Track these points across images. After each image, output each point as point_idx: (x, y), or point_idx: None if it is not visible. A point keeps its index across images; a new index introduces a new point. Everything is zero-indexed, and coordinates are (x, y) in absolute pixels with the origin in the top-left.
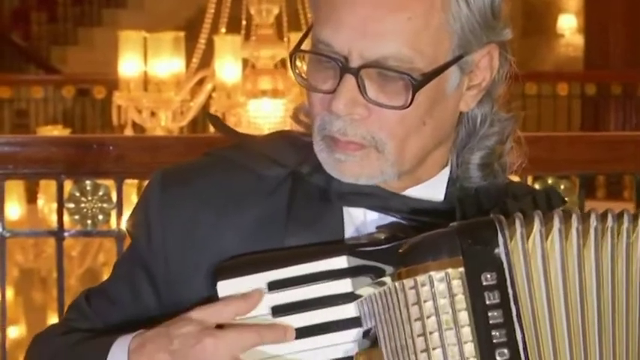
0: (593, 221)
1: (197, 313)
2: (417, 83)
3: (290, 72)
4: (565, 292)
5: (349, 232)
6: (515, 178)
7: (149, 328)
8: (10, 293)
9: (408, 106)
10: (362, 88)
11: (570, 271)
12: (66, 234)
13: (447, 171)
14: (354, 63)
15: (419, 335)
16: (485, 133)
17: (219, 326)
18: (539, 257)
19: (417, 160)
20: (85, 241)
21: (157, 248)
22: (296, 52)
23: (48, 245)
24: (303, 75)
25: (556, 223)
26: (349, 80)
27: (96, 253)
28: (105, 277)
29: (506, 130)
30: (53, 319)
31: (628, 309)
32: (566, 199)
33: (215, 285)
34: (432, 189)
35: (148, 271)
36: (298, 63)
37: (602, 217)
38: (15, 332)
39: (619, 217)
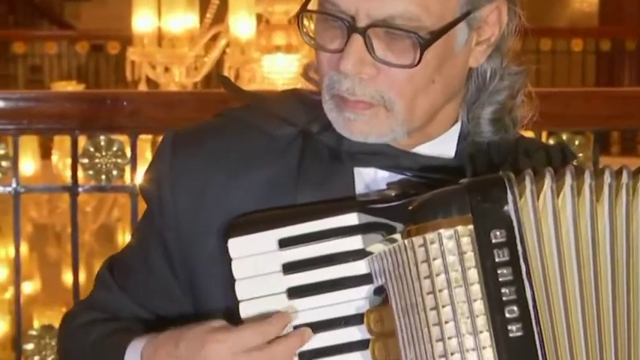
0: (607, 178)
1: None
2: (425, 42)
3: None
4: (577, 249)
5: (360, 189)
6: (529, 134)
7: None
8: (24, 249)
9: (416, 65)
10: (370, 48)
11: (582, 229)
12: (80, 189)
13: (457, 127)
14: (362, 22)
15: (428, 293)
16: (495, 87)
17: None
18: (550, 214)
19: (427, 118)
20: (99, 197)
21: (169, 211)
22: (303, 11)
23: (62, 201)
24: (311, 34)
25: (568, 179)
26: (357, 40)
27: (110, 209)
28: (119, 233)
29: (516, 84)
30: (67, 274)
31: None
32: (580, 154)
33: (226, 243)
34: (443, 145)
35: (160, 239)
36: (306, 22)
37: (617, 174)
38: (29, 287)
39: (635, 174)
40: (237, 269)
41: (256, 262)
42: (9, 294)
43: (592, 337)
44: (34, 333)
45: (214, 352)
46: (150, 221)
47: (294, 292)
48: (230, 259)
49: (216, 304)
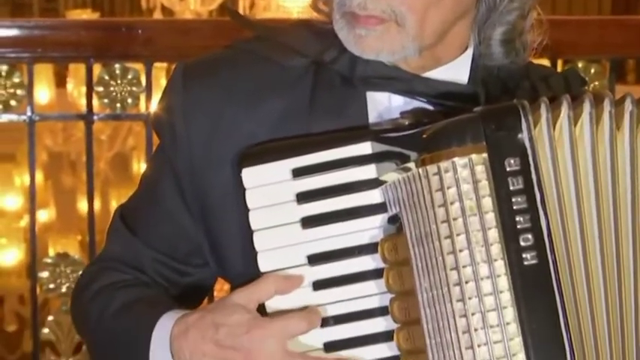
0: (628, 105)
1: (240, 297)
2: None
3: None
4: (595, 178)
5: (373, 118)
6: (544, 62)
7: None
8: (39, 177)
9: None
10: None
11: (601, 158)
12: (95, 117)
13: (469, 52)
14: None
15: (442, 222)
16: (505, 7)
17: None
18: (567, 143)
19: (438, 35)
20: (114, 125)
21: (182, 142)
22: None
23: (77, 129)
24: None
25: (586, 107)
26: None
27: (125, 137)
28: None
29: (526, 5)
30: (82, 202)
31: None
32: (596, 83)
33: (240, 173)
34: (456, 70)
35: (173, 171)
36: None
37: (639, 102)
38: (44, 216)
39: None
40: (250, 199)
41: (270, 192)
42: (24, 222)
43: (610, 266)
44: (49, 261)
45: (259, 338)
46: (162, 155)
47: (308, 222)
48: (244, 189)
49: (230, 236)
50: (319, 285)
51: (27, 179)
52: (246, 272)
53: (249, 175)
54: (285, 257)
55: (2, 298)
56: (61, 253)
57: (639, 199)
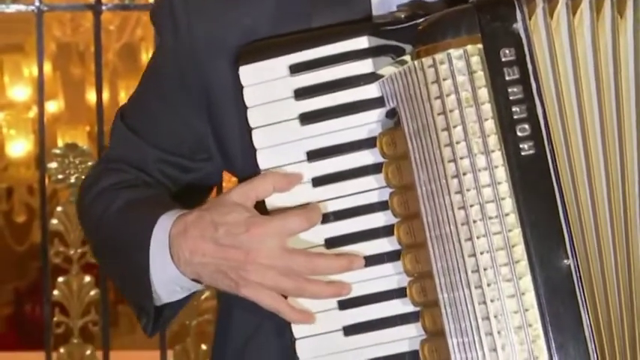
0: None
1: (237, 195)
2: None
3: None
4: (595, 68)
5: (376, 10)
6: None
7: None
8: (47, 68)
9: None
10: None
11: (602, 47)
12: (103, 8)
13: None
14: None
15: (439, 114)
16: None
17: (262, 212)
18: (565, 32)
19: None
20: (123, 15)
21: (183, 36)
22: None
23: (86, 19)
24: None
25: None
26: None
27: (134, 27)
28: (142, 52)
29: None
30: (91, 93)
31: None
32: None
33: (237, 70)
34: None
35: (175, 65)
36: None
37: None
38: (53, 107)
39: None
40: (248, 96)
41: (268, 89)
42: (33, 113)
43: (612, 156)
44: (57, 152)
45: (258, 237)
46: (163, 50)
47: (306, 118)
48: (242, 87)
49: (232, 131)
50: (319, 181)
51: (35, 70)
52: (248, 167)
53: (247, 72)
54: (284, 154)
55: (11, 189)
56: (70, 144)
57: None
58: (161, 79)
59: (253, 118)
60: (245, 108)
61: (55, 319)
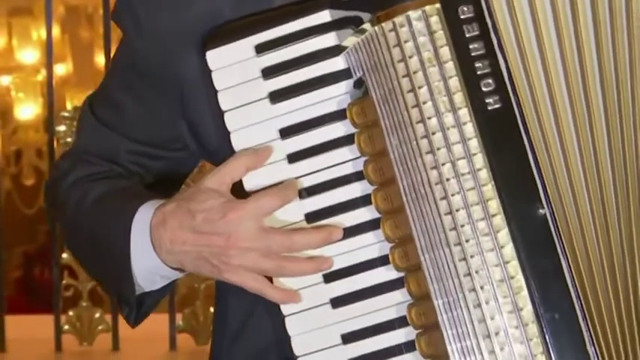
0: None
1: (211, 181)
2: None
3: None
4: (554, 15)
5: None
6: None
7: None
8: (56, 31)
9: None
10: None
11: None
12: None
13: None
14: None
15: (403, 76)
16: None
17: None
18: None
19: None
20: None
21: (148, 32)
22: None
23: None
24: None
25: None
26: None
27: None
28: None
29: None
30: (99, 56)
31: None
32: None
33: (204, 55)
34: None
35: (144, 65)
36: None
37: None
38: (61, 70)
39: None
40: (217, 80)
41: (235, 71)
42: (41, 76)
43: (577, 102)
44: (66, 115)
45: (236, 221)
46: (127, 46)
47: (276, 96)
48: (210, 71)
49: (205, 118)
50: (294, 157)
51: (44, 33)
52: (225, 152)
53: (214, 56)
54: (257, 134)
55: (20, 152)
56: (79, 107)
57: (601, 32)
58: (128, 73)
59: (224, 101)
60: (215, 92)
61: (64, 282)
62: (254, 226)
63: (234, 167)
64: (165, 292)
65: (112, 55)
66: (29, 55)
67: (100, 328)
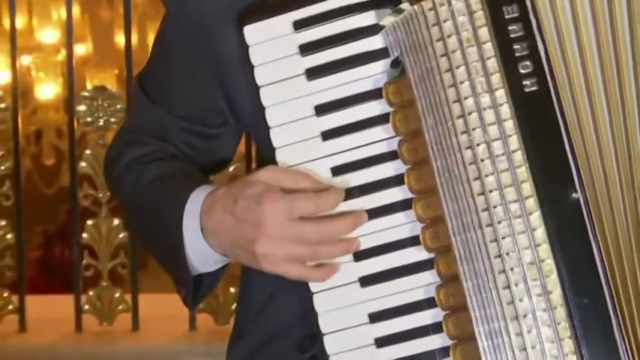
0: None
1: (266, 174)
2: None
3: None
4: (592, 8)
5: None
6: None
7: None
8: (76, 10)
9: None
10: None
11: None
12: None
13: None
14: None
15: (441, 55)
16: None
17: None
18: None
19: None
20: None
21: (192, 13)
22: None
23: None
24: None
25: None
26: None
27: None
28: None
29: None
30: (120, 36)
31: None
32: None
33: (242, 30)
34: None
35: (185, 36)
36: None
37: None
38: (82, 49)
39: None
40: (254, 55)
41: (273, 47)
42: (61, 56)
43: (612, 88)
44: (86, 94)
45: (269, 212)
46: (170, 19)
47: (313, 72)
48: (247, 47)
49: (243, 93)
50: (328, 135)
51: (64, 13)
52: (260, 127)
53: (251, 31)
54: (292, 110)
55: (40, 132)
56: (99, 87)
57: (634, 20)
58: (169, 49)
59: (260, 76)
60: (252, 67)
61: (84, 262)
62: (285, 218)
63: (293, 178)
64: (221, 275)
65: (132, 35)
66: (49, 34)
67: (120, 308)
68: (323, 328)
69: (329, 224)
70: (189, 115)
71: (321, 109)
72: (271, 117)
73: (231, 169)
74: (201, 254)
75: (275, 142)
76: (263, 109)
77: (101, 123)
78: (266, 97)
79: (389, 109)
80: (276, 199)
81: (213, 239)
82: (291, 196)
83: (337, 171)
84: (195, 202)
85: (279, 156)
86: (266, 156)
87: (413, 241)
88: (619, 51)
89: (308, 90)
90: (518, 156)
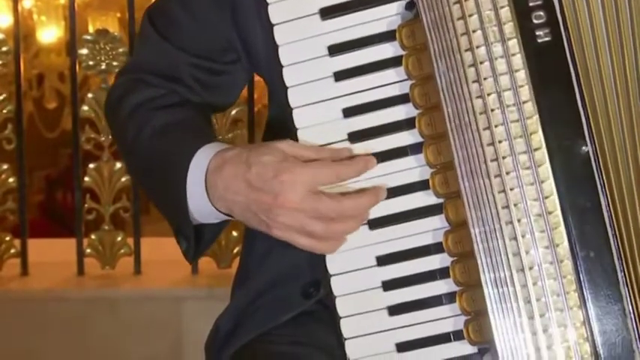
0: None
1: (284, 143)
2: None
3: None
4: None
5: None
6: None
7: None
8: None
9: None
10: None
11: None
12: None
13: None
14: None
15: (455, 2)
16: None
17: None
18: None
19: None
20: None
21: None
22: None
23: None
24: None
25: None
26: None
27: None
28: None
29: None
30: None
31: None
32: None
33: (267, 8)
34: None
35: None
36: None
37: None
38: None
39: None
40: (273, 14)
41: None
42: None
43: (614, 40)
44: (88, 38)
45: (288, 184)
46: None
47: (326, 12)
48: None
49: (256, 31)
50: (340, 75)
51: None
52: (272, 66)
53: (275, 10)
54: (306, 49)
55: (42, 75)
56: (101, 30)
57: None
58: None
59: (274, 14)
60: (266, 5)
61: (86, 205)
62: (304, 191)
63: (310, 153)
64: (222, 227)
65: None
66: None
67: (122, 251)
68: (330, 270)
69: (349, 201)
70: (201, 51)
71: (334, 50)
72: (284, 56)
73: (233, 112)
74: (203, 210)
75: (287, 81)
76: (276, 48)
77: (103, 66)
78: (280, 35)
79: (402, 52)
80: (294, 169)
81: (219, 201)
82: (313, 164)
83: (348, 112)
84: (202, 158)
85: (291, 95)
86: (277, 97)
87: (422, 185)
88: (620, 5)
89: (322, 30)
90: (529, 107)
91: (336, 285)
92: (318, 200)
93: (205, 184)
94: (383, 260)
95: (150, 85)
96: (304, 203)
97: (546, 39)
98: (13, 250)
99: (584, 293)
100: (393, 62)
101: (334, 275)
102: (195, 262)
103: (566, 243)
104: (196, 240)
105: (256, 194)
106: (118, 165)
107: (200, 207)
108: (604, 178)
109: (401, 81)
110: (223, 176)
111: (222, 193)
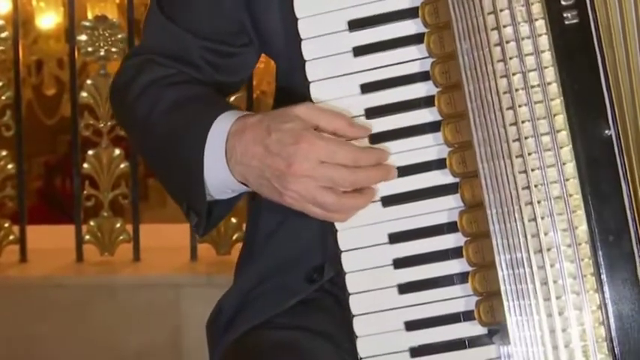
0: None
1: (303, 110)
2: None
3: None
4: None
5: None
6: None
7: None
8: None
9: None
10: None
11: None
12: None
13: None
14: None
15: None
16: None
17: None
18: None
19: None
20: None
21: None
22: None
23: None
24: None
25: None
26: None
27: None
28: None
29: None
30: None
31: None
32: None
33: None
34: None
35: None
36: None
37: None
38: None
39: None
40: (298, 8)
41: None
42: None
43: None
44: (87, 24)
45: (304, 152)
46: None
47: (354, 25)
48: None
49: (271, 15)
50: (360, 50)
51: None
52: (288, 44)
53: None
54: (325, 24)
55: (41, 62)
56: (100, 16)
57: None
58: None
59: (305, 33)
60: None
61: (85, 192)
62: (317, 160)
63: (329, 119)
64: (233, 204)
65: None
66: None
67: (121, 238)
68: (341, 246)
69: (363, 172)
70: (211, 34)
71: (355, 25)
72: (304, 30)
73: (232, 98)
74: (219, 180)
75: (306, 55)
76: (295, 21)
77: (102, 53)
78: (299, 8)
79: (424, 30)
80: (314, 140)
81: (236, 165)
82: (334, 140)
83: (366, 88)
84: (222, 125)
85: (309, 68)
86: (292, 74)
87: (439, 164)
88: None
89: (342, 4)
90: (554, 88)
91: (347, 261)
92: (331, 169)
93: (226, 149)
94: (395, 238)
95: (161, 65)
96: (316, 171)
97: (574, 21)
98: (11, 237)
99: (602, 277)
100: (415, 39)
101: (345, 251)
102: (195, 249)
103: (585, 226)
104: (207, 216)
105: (271, 159)
106: (117, 151)
107: (217, 176)
108: (626, 163)
109: (422, 58)
110: (243, 140)
111: (240, 157)
